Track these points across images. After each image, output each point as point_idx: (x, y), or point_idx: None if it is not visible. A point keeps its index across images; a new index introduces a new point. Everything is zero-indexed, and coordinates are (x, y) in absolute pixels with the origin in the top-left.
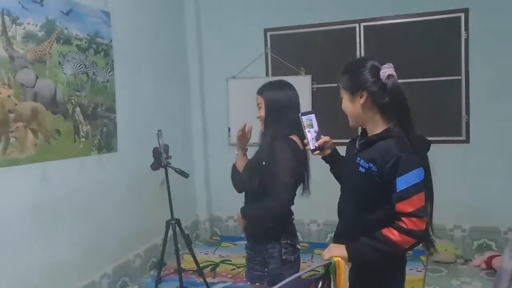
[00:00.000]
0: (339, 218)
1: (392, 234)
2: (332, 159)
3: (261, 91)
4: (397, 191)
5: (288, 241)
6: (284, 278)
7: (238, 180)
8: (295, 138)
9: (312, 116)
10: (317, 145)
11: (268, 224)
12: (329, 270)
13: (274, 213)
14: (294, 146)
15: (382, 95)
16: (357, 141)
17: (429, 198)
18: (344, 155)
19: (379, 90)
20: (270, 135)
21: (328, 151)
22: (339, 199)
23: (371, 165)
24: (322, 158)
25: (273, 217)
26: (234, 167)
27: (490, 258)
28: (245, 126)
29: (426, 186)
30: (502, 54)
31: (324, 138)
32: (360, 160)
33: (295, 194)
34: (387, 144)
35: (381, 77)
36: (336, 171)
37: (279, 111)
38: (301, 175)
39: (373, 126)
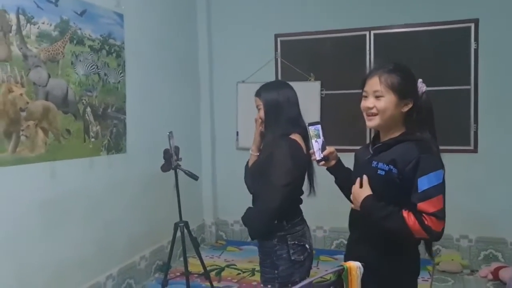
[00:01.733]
0: (352, 228)
1: (409, 218)
2: (337, 170)
3: (258, 93)
4: (419, 191)
5: (296, 242)
6: (295, 278)
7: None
8: (295, 136)
9: (319, 126)
10: (323, 156)
11: (262, 226)
12: (342, 276)
13: (264, 215)
14: (293, 145)
15: (420, 109)
16: (370, 147)
17: None
18: (354, 164)
19: (419, 103)
20: (270, 136)
21: (333, 162)
22: (350, 210)
23: (391, 167)
24: (327, 169)
25: (264, 219)
26: (247, 167)
27: (497, 269)
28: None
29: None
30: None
31: (330, 149)
32: (377, 163)
33: (290, 196)
34: (407, 146)
35: (418, 90)
36: (340, 182)
37: (278, 110)
38: (299, 176)
39: (394, 131)
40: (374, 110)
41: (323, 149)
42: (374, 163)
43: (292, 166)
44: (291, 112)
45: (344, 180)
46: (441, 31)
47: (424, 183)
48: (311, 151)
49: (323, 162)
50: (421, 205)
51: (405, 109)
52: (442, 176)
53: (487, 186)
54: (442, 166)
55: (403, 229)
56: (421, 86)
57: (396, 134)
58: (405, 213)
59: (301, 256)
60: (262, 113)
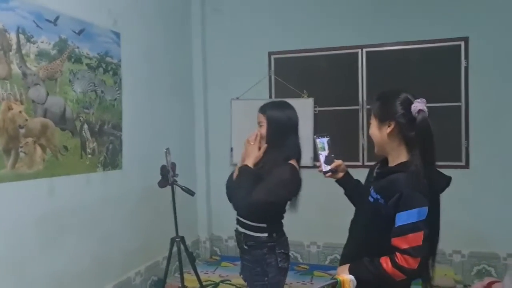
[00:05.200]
0: (349, 237)
1: (386, 263)
2: (345, 182)
3: (264, 110)
4: (396, 225)
5: (282, 251)
6: (281, 285)
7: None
8: (294, 162)
9: (325, 139)
10: (329, 168)
11: (243, 203)
12: None
13: (247, 199)
14: (294, 171)
15: (409, 128)
16: (375, 169)
17: (435, 235)
18: (366, 178)
19: (407, 123)
20: (273, 156)
21: (340, 174)
22: (352, 218)
23: (379, 197)
24: (336, 181)
25: (246, 201)
26: (231, 180)
27: (490, 284)
28: (257, 136)
29: (431, 224)
30: (501, 81)
31: (337, 162)
32: (372, 188)
33: (272, 207)
34: (396, 178)
35: (411, 110)
36: (349, 194)
37: (282, 131)
38: (284, 201)
39: (396, 156)
40: (372, 138)
41: (329, 161)
42: (371, 188)
43: (284, 192)
44: (293, 136)
45: (353, 191)
46: (432, 49)
47: (402, 218)
48: (317, 163)
49: (329, 174)
50: (395, 240)
51: (389, 130)
52: (425, 213)
53: (479, 202)
54: (426, 204)
55: (385, 277)
56: (416, 106)
57: (401, 160)
58: (383, 261)
59: (286, 263)
60: (264, 130)
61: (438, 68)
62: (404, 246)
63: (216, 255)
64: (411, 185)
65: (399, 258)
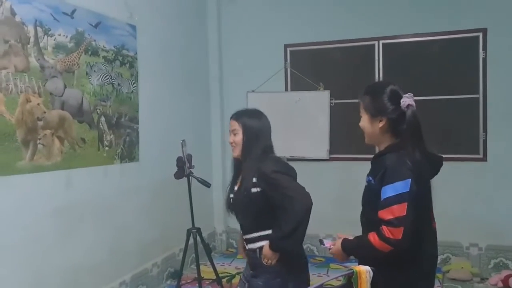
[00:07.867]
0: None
1: (373, 237)
2: None
3: (238, 118)
4: (381, 199)
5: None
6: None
7: None
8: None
9: None
10: None
11: (304, 228)
12: (351, 280)
13: (305, 209)
14: (275, 158)
15: (400, 122)
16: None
17: (424, 210)
18: None
19: (398, 117)
20: (250, 162)
21: None
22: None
23: (371, 178)
24: None
25: (307, 214)
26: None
27: (507, 277)
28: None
29: (419, 199)
30: None
31: None
32: (367, 175)
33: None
34: (382, 158)
35: (401, 105)
36: None
37: (258, 138)
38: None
39: (386, 144)
40: (362, 129)
41: None
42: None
43: (287, 168)
44: (267, 142)
45: None
46: (449, 41)
47: (386, 191)
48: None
49: None
50: (381, 213)
51: (381, 125)
52: (409, 185)
53: (497, 194)
54: (409, 176)
55: (375, 252)
56: (405, 101)
57: (383, 147)
58: (370, 236)
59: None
60: (239, 138)
61: (455, 60)
62: (388, 217)
63: (233, 248)
64: (395, 160)
65: (385, 230)
